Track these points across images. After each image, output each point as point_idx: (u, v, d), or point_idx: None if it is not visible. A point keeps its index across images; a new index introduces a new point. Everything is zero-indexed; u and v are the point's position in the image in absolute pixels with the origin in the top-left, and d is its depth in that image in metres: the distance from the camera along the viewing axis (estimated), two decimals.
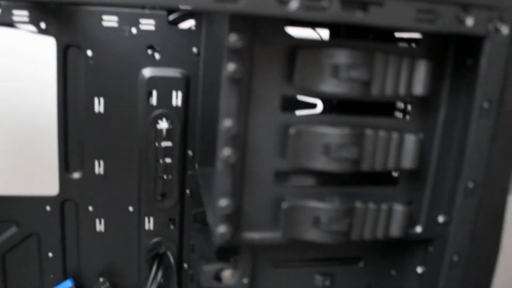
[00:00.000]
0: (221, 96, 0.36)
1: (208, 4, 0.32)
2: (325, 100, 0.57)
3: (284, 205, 0.39)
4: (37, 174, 0.59)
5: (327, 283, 0.47)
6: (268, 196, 0.39)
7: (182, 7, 0.33)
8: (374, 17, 0.34)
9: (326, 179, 0.45)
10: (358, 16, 0.34)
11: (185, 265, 0.65)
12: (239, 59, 0.36)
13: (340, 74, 0.36)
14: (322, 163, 0.38)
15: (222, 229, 0.37)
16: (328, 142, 0.38)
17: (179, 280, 0.65)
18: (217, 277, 0.44)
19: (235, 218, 0.38)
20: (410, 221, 0.43)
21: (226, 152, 0.36)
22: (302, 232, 0.39)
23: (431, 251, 0.45)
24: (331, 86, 0.37)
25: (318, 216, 0.39)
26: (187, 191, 0.62)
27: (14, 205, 0.59)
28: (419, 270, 0.47)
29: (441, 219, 0.43)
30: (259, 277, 0.44)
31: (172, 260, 0.62)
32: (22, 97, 0.56)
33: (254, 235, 0.40)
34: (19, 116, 0.56)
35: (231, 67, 0.35)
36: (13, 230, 0.60)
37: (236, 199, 0.38)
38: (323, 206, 0.39)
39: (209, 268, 0.44)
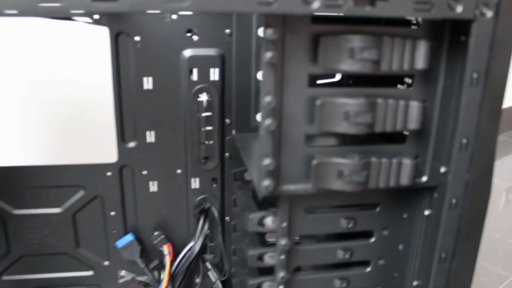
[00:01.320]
0: (261, 78, 0.48)
1: (251, 8, 0.43)
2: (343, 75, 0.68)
3: (314, 162, 0.51)
4: (99, 145, 0.72)
5: (350, 225, 0.59)
6: (300, 155, 0.51)
7: (225, 10, 0.43)
8: (380, 10, 0.45)
9: (347, 140, 0.56)
10: (367, 10, 0.44)
11: (227, 218, 0.78)
12: (274, 47, 0.47)
13: (355, 55, 0.47)
14: (343, 127, 0.50)
15: (266, 182, 0.50)
16: (347, 110, 0.49)
17: (223, 231, 0.78)
18: (261, 223, 0.57)
19: (275, 174, 0.50)
20: (417, 172, 0.54)
21: (267, 122, 0.48)
22: (329, 183, 0.51)
23: (435, 196, 0.57)
24: (348, 65, 0.48)
25: (342, 169, 0.51)
26: (226, 154, 0.74)
27: (81, 172, 0.72)
28: (426, 212, 0.59)
29: (442, 169, 0.54)
30: (294, 222, 0.57)
31: (216, 214, 0.75)
32: (84, 81, 0.69)
33: (290, 187, 0.52)
34: (84, 98, 0.69)
35: (268, 55, 0.47)
36: (80, 193, 0.74)
37: (275, 158, 0.50)
38: (345, 162, 0.51)
39: (254, 216, 0.57)
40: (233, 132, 0.73)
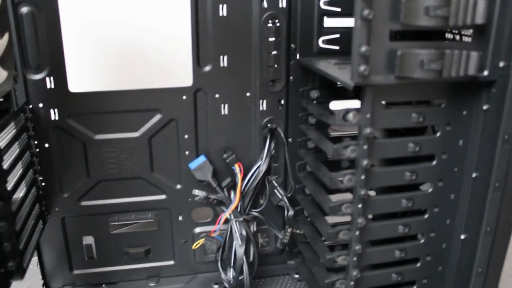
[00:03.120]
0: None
1: None
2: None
3: (398, 52, 0.63)
4: (175, 70, 0.82)
5: (420, 119, 0.71)
6: (386, 48, 0.63)
7: None
8: None
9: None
10: None
11: (290, 140, 0.89)
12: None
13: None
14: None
15: (362, 67, 0.62)
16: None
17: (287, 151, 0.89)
18: (345, 118, 0.69)
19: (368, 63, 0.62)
20: (480, 67, 0.67)
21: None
22: (410, 71, 0.64)
23: (493, 91, 0.70)
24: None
25: (422, 59, 0.63)
26: (291, 78, 0.86)
27: (158, 96, 0.83)
28: (485, 107, 0.72)
29: (501, 64, 0.68)
30: (375, 114, 0.69)
31: (282, 134, 0.87)
32: (162, 8, 0.79)
33: (377, 78, 0.64)
34: (162, 24, 0.79)
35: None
36: (157, 117, 0.84)
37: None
38: (425, 52, 0.63)
39: (339, 111, 0.69)
40: (297, 56, 0.85)
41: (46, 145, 0.82)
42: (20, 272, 0.69)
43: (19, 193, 0.73)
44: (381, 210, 0.75)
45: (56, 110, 0.80)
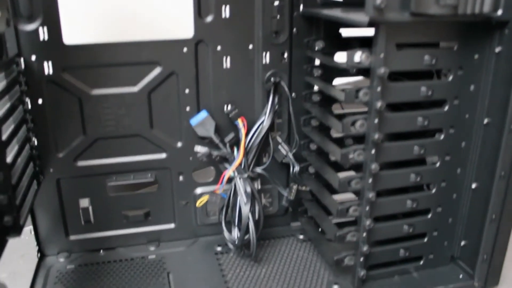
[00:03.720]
0: None
1: None
2: None
3: None
4: (175, 21, 0.80)
5: (433, 62, 0.70)
6: None
7: None
8: None
9: None
10: None
11: (293, 95, 0.87)
12: None
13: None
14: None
15: (378, 1, 0.60)
16: None
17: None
18: (356, 60, 0.68)
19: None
20: (495, 5, 0.66)
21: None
22: (426, 7, 0.62)
23: (506, 33, 0.69)
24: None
25: None
26: (294, 30, 0.84)
27: (158, 48, 0.80)
28: (497, 49, 0.71)
29: None
30: (388, 56, 0.67)
31: (285, 87, 0.85)
32: None
33: (392, 14, 0.62)
34: None
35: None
36: (157, 70, 0.81)
37: None
38: None
39: (351, 52, 0.67)
40: (301, 7, 0.83)
41: (40, 101, 0.78)
42: (17, 229, 0.65)
43: (12, 150, 0.70)
44: (393, 157, 0.73)
45: (50, 63, 0.77)
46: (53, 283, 0.81)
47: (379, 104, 0.68)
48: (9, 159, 0.66)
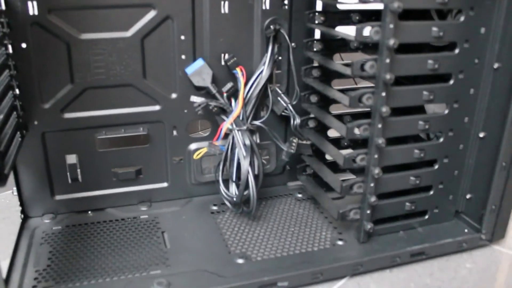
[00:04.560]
0: None
1: None
2: None
3: None
4: None
5: None
6: None
7: None
8: None
9: None
10: None
11: (293, 44, 0.84)
12: None
13: None
14: None
15: None
16: None
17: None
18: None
19: None
20: None
21: None
22: None
23: None
24: None
25: None
26: None
27: None
28: None
29: None
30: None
31: (286, 36, 0.81)
32: None
33: None
34: None
35: None
36: (151, 14, 0.77)
37: None
38: None
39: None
40: None
41: (24, 45, 0.73)
42: (2, 177, 0.60)
43: None
44: (404, 102, 0.71)
45: (34, 3, 0.71)
46: (39, 244, 0.76)
47: (391, 42, 0.65)
48: None
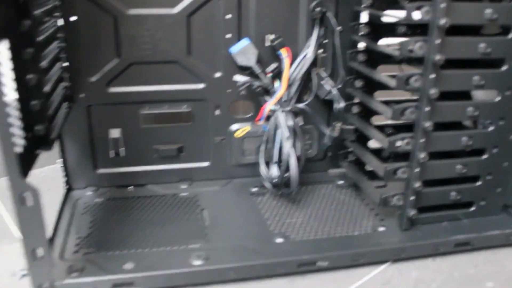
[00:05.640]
0: None
1: None
2: None
3: None
4: None
5: None
6: None
7: None
8: None
9: None
10: None
11: (339, 28, 0.83)
12: None
13: None
14: None
15: None
16: None
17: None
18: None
19: None
20: None
21: None
22: None
23: None
24: None
25: None
26: None
27: None
28: None
29: None
30: None
31: (332, 19, 0.81)
32: None
33: None
34: None
35: None
36: None
37: None
38: None
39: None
40: None
41: (73, 18, 0.75)
42: (49, 141, 0.62)
43: (44, 59, 0.66)
44: (453, 86, 0.69)
45: None
46: (81, 214, 0.78)
47: (443, 21, 0.63)
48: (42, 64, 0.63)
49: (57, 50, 0.73)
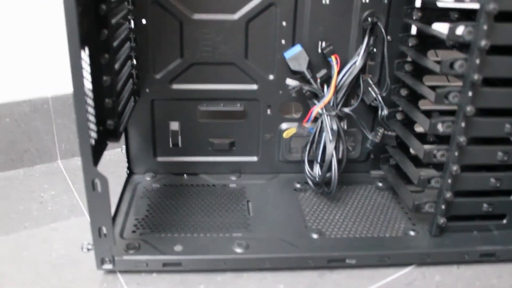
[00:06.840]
0: None
1: None
2: None
3: None
4: None
5: None
6: None
7: None
8: None
9: None
10: None
11: (389, 37, 0.88)
12: None
13: None
14: None
15: None
16: None
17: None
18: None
19: None
20: None
21: None
22: None
23: None
24: None
25: None
26: None
27: None
28: None
29: None
30: None
31: (382, 29, 0.86)
32: None
33: None
34: None
35: None
36: (256, 0, 0.85)
37: None
38: None
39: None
40: None
41: (144, 21, 0.84)
42: (117, 134, 0.72)
43: (118, 61, 0.76)
44: (491, 104, 0.73)
45: None
46: (140, 197, 0.88)
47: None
48: (116, 66, 0.72)
49: (128, 51, 0.82)
